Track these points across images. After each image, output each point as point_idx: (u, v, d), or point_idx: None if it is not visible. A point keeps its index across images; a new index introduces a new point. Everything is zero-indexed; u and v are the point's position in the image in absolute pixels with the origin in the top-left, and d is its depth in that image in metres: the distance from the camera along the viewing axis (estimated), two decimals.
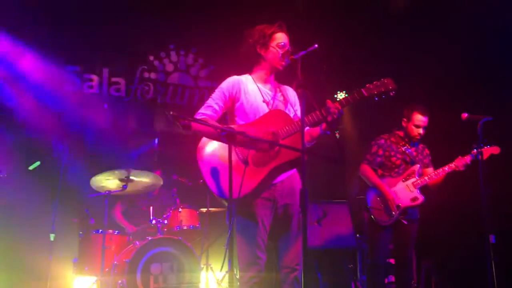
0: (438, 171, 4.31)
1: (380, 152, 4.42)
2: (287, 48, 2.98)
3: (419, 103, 4.42)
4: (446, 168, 4.28)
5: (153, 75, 6.15)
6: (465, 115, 3.92)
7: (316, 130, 2.90)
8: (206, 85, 6.43)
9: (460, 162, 4.24)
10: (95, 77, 5.87)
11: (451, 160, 4.29)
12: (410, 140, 4.42)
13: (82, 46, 5.78)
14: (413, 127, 4.36)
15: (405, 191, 4.29)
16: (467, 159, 4.22)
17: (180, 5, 5.86)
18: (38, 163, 4.27)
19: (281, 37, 3.02)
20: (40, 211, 4.68)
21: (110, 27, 5.69)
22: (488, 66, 5.45)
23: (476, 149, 4.06)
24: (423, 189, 4.32)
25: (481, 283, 3.79)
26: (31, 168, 4.26)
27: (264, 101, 3.00)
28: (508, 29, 5.24)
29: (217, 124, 2.83)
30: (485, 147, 4.14)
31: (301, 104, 2.64)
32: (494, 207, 3.80)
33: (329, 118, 2.76)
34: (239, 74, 3.11)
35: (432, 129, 4.46)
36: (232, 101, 2.99)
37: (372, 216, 4.36)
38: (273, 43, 3.01)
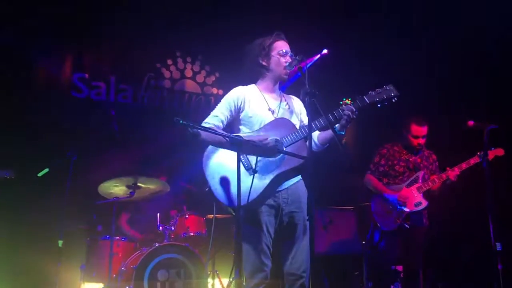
0: (441, 175, 4.32)
1: (383, 161, 4.46)
2: (289, 54, 3.03)
3: (418, 113, 4.44)
4: (444, 176, 4.29)
5: (160, 82, 6.20)
6: (471, 123, 3.94)
7: (329, 133, 2.93)
8: (212, 92, 6.48)
9: (450, 173, 4.24)
10: (102, 84, 5.92)
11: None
12: (412, 149, 4.44)
13: (90, 54, 5.85)
14: (412, 138, 4.39)
15: (409, 196, 4.30)
16: (456, 170, 4.23)
17: (187, 13, 5.91)
18: (47, 170, 4.30)
19: (281, 45, 3.08)
20: (49, 217, 4.71)
21: (118, 35, 5.75)
22: (493, 73, 5.47)
23: (482, 157, 4.07)
24: (428, 194, 4.34)
25: None
26: (39, 175, 4.29)
27: (269, 109, 3.04)
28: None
29: (224, 133, 2.86)
30: (490, 150, 4.15)
31: (308, 113, 2.68)
32: (501, 215, 3.80)
33: (344, 119, 2.81)
34: (244, 81, 3.16)
35: (441, 136, 4.47)
36: (238, 111, 3.04)
37: (377, 223, 4.38)
38: (274, 52, 3.06)
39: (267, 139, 2.86)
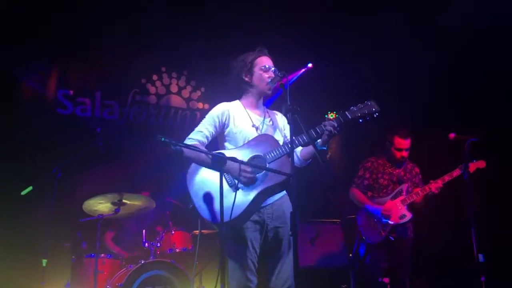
0: (425, 187, 4.37)
1: (367, 175, 4.50)
2: (272, 69, 3.05)
3: (401, 126, 4.50)
4: (427, 188, 4.34)
5: (145, 98, 6.21)
6: (452, 135, 4.00)
7: (311, 148, 2.95)
8: (197, 107, 6.50)
9: (433, 186, 4.30)
10: (87, 101, 5.91)
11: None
12: (395, 162, 4.49)
13: (75, 70, 5.84)
14: (396, 151, 4.44)
15: (393, 209, 4.34)
16: (439, 182, 4.29)
17: (172, 29, 5.95)
18: (30, 188, 4.26)
19: (263, 61, 3.11)
20: (33, 235, 4.66)
21: (102, 51, 5.75)
22: (474, 86, 5.57)
23: (462, 169, 4.13)
24: (412, 207, 4.38)
25: None
26: (23, 193, 4.26)
27: (253, 126, 3.06)
28: (494, 49, 5.37)
29: (207, 151, 2.87)
30: (471, 162, 4.22)
31: (290, 129, 2.70)
32: (484, 226, 3.84)
33: (326, 135, 2.85)
34: (230, 97, 3.19)
35: (423, 148, 4.52)
36: (222, 127, 3.06)
37: (362, 235, 4.41)
38: (257, 68, 3.09)
39: (249, 155, 2.87)
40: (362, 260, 4.58)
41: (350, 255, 5.26)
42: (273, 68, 3.07)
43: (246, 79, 3.12)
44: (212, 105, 3.16)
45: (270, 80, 3.05)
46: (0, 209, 4.58)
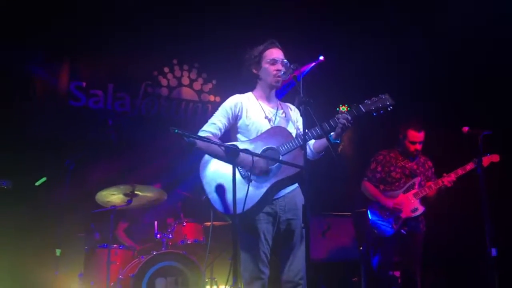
0: (438, 181, 4.34)
1: (379, 168, 4.48)
2: (281, 62, 3.04)
3: (415, 119, 4.46)
4: (440, 182, 4.31)
5: (157, 90, 6.23)
6: (466, 129, 3.96)
7: (324, 141, 2.95)
8: (209, 99, 6.50)
9: (446, 179, 4.27)
10: (100, 93, 5.95)
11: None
12: (408, 155, 4.46)
13: (87, 62, 5.88)
14: (409, 144, 4.41)
15: (405, 202, 4.32)
16: (452, 176, 4.25)
17: (183, 21, 5.95)
18: (44, 179, 4.32)
19: (272, 53, 3.09)
20: (47, 226, 4.72)
21: (115, 43, 5.77)
22: (488, 79, 5.51)
23: (476, 162, 4.10)
24: (425, 200, 4.36)
25: None
26: (37, 184, 4.31)
27: (266, 118, 3.06)
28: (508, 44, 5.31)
29: (220, 142, 2.88)
30: (485, 156, 4.18)
31: (303, 121, 2.70)
32: (497, 220, 3.81)
33: (339, 127, 2.84)
34: (242, 89, 3.19)
35: (436, 142, 4.49)
36: (235, 119, 3.06)
37: (373, 229, 4.40)
38: (264, 61, 3.08)
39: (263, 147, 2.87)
40: (373, 253, 4.57)
41: (361, 248, 5.26)
42: (285, 60, 3.05)
43: (255, 71, 3.12)
44: (223, 98, 3.17)
45: (282, 72, 3.03)
46: (15, 200, 4.63)
